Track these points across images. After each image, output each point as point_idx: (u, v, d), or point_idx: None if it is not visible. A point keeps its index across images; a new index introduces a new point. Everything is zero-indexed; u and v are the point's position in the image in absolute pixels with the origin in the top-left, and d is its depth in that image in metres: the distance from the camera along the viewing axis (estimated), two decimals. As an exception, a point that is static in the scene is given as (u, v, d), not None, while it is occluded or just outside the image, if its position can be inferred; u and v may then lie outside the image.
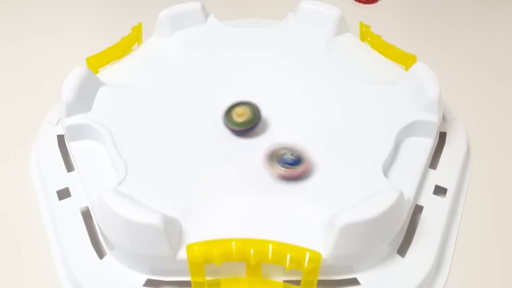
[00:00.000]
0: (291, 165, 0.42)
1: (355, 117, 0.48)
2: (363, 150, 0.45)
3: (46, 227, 0.45)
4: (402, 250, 0.42)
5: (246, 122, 0.46)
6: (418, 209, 0.44)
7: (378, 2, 0.75)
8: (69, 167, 0.48)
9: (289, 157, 0.42)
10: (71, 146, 0.47)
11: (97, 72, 0.53)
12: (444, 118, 0.52)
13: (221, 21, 0.58)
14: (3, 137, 0.54)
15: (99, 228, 0.41)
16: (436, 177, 0.47)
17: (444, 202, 0.45)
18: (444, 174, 0.47)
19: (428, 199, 0.45)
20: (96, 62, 0.53)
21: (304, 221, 0.40)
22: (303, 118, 0.48)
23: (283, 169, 0.42)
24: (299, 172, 0.42)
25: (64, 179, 0.47)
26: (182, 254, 0.38)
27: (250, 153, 0.45)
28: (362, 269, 0.40)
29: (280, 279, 0.38)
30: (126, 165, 0.43)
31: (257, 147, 0.46)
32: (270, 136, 0.47)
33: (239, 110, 0.46)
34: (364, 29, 0.58)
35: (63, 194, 0.46)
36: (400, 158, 0.46)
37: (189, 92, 0.51)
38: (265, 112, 0.48)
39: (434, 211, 0.44)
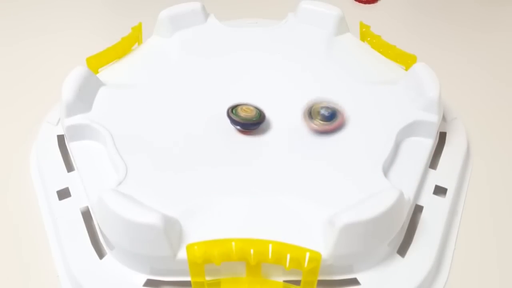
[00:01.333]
0: (327, 120, 0.45)
1: (355, 117, 0.48)
2: (363, 150, 0.45)
3: (46, 227, 0.45)
4: (402, 250, 0.42)
5: (253, 117, 0.46)
6: (418, 209, 0.44)
7: (378, 2, 0.75)
8: (69, 167, 0.48)
9: (325, 112, 0.45)
10: (71, 146, 0.47)
11: (97, 72, 0.53)
12: (444, 118, 0.52)
13: (221, 21, 0.58)
14: (3, 137, 0.54)
15: (99, 228, 0.41)
16: (436, 177, 0.47)
17: (444, 202, 0.45)
18: (444, 174, 0.47)
19: (428, 199, 0.45)
20: (96, 62, 0.53)
21: (304, 221, 0.40)
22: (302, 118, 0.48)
23: (319, 124, 0.45)
24: (333, 127, 0.45)
25: (64, 179, 0.47)
26: (182, 254, 0.38)
27: (250, 153, 0.45)
28: (362, 269, 0.40)
29: (280, 279, 0.38)
30: (126, 165, 0.43)
31: (256, 146, 0.46)
32: (269, 136, 0.47)
33: (245, 107, 0.47)
34: (364, 29, 0.58)
35: (63, 194, 0.46)
36: (400, 158, 0.46)
37: (189, 92, 0.51)
38: (265, 112, 0.48)
39: (434, 211, 0.44)
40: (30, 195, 0.48)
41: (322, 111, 0.46)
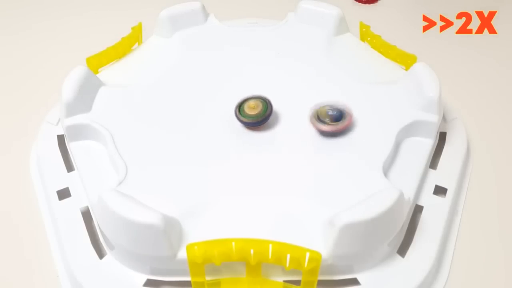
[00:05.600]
0: (334, 121, 0.45)
1: (355, 117, 0.48)
2: (363, 150, 0.45)
3: (46, 227, 0.45)
4: (402, 250, 0.42)
5: (259, 115, 0.46)
6: (418, 209, 0.44)
7: (378, 2, 0.75)
8: (69, 167, 0.48)
9: (330, 114, 0.45)
10: (71, 146, 0.47)
11: (97, 72, 0.53)
12: (444, 118, 0.52)
13: (221, 21, 0.58)
14: (3, 137, 0.54)
15: (99, 228, 0.41)
16: (436, 177, 0.47)
17: (444, 202, 0.45)
18: (444, 174, 0.47)
19: (428, 199, 0.45)
20: (96, 62, 0.53)
21: (304, 221, 0.40)
22: (303, 118, 0.48)
23: (326, 125, 0.45)
24: (341, 127, 0.45)
25: (64, 179, 0.47)
26: (182, 254, 0.38)
27: (250, 153, 0.45)
28: (362, 269, 0.40)
29: (280, 279, 0.39)
30: (126, 165, 0.43)
31: (257, 147, 0.46)
32: (267, 136, 0.47)
33: (251, 103, 0.47)
34: (364, 29, 0.58)
35: (63, 194, 0.46)
36: (400, 158, 0.46)
37: (189, 92, 0.51)
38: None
39: (434, 211, 0.44)
40: (30, 195, 0.48)
41: (330, 112, 0.45)
